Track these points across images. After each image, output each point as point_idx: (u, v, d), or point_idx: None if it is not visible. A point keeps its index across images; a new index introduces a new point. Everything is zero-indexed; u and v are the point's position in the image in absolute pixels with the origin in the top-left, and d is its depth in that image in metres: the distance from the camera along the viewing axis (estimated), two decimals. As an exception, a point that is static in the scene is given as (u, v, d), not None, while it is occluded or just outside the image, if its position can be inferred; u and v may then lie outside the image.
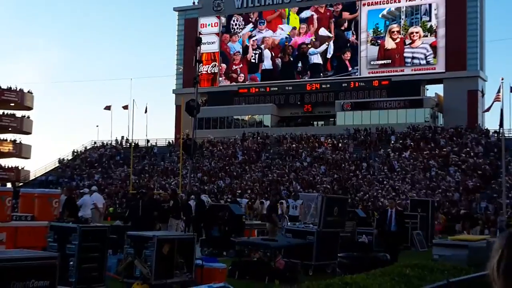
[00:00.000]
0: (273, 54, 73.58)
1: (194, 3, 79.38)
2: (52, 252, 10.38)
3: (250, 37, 74.96)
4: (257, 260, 15.30)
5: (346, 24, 70.18)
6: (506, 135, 44.81)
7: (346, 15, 70.18)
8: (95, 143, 75.69)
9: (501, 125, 35.19)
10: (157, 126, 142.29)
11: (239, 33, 75.57)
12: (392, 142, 57.86)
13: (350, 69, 69.16)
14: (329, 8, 71.21)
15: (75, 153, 73.92)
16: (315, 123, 72.23)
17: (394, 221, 18.01)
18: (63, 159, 73.06)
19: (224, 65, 75.75)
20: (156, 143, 72.00)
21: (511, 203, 41.34)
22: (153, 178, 60.39)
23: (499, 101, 34.85)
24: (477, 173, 48.88)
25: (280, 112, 72.93)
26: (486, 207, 43.18)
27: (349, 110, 66.95)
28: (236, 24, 75.84)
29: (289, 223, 24.05)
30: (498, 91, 35.06)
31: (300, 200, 31.95)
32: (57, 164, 72.16)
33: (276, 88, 72.41)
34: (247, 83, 74.43)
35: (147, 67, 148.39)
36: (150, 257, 11.23)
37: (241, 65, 75.15)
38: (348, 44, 69.67)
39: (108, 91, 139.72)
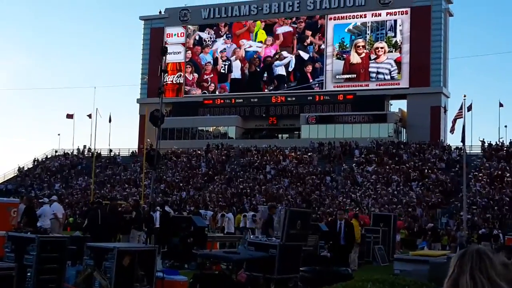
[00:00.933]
0: (242, 65, 73.77)
1: (160, 12, 79.15)
2: (9, 262, 10.14)
3: (220, 50, 75.01)
4: (219, 273, 15.15)
5: (308, 40, 70.76)
6: (467, 151, 45.46)
7: (309, 33, 70.82)
8: (56, 151, 74.72)
9: (462, 141, 35.72)
10: (120, 135, 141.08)
11: (210, 45, 75.53)
12: (356, 156, 58.24)
13: (311, 81, 69.74)
14: (293, 25, 71.76)
15: (36, 162, 72.80)
16: (279, 135, 72.41)
17: (343, 233, 17.42)
18: (23, 167, 71.88)
19: (196, 75, 75.59)
20: (119, 153, 71.36)
21: (471, 219, 41.85)
22: (115, 188, 59.78)
23: (461, 117, 35.39)
24: (439, 188, 49.44)
25: (245, 124, 72.97)
26: (447, 222, 43.65)
27: (313, 124, 67.30)
28: (208, 37, 75.79)
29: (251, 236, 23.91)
30: (460, 108, 35.61)
31: (259, 213, 31.92)
32: (17, 173, 70.98)
33: (242, 100, 72.47)
34: (213, 94, 74.28)
35: (111, 76, 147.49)
36: (110, 269, 11.00)
37: (212, 75, 75.11)
38: (310, 58, 70.31)
39: (71, 99, 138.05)
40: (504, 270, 3.59)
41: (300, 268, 16.22)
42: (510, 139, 56.19)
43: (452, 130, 36.33)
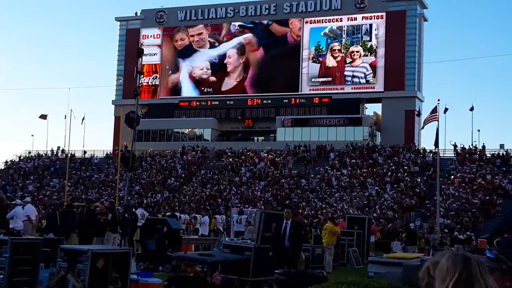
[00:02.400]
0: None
1: (136, 13, 78.79)
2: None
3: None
4: (194, 275, 15.12)
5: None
6: (441, 155, 45.91)
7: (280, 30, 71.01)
8: (29, 152, 73.97)
9: (436, 144, 36.12)
10: (95, 137, 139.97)
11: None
12: (331, 159, 58.46)
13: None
14: (268, 28, 71.96)
15: (8, 163, 71.96)
16: (255, 138, 72.46)
17: (289, 234, 15.22)
18: (-4, 168, 71.03)
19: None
20: (93, 154, 70.86)
21: (444, 222, 42.24)
22: (89, 190, 59.36)
23: (436, 120, 35.73)
24: (413, 191, 49.83)
25: (221, 126, 72.90)
26: (420, 225, 44.01)
27: (289, 126, 67.46)
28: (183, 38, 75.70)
29: (232, 238, 23.85)
30: (434, 111, 35.92)
31: (245, 215, 31.95)
32: (-11, 174, 70.11)
33: (217, 102, 72.40)
34: (188, 96, 74.07)
35: (86, 77, 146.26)
36: (83, 271, 10.91)
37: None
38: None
39: (45, 100, 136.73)
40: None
41: (275, 271, 16.25)
42: (483, 143, 56.87)
43: (423, 127, 36.84)
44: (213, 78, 73.58)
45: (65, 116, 61.73)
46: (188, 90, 74.81)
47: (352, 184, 52.56)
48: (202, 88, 74.12)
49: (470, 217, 44.01)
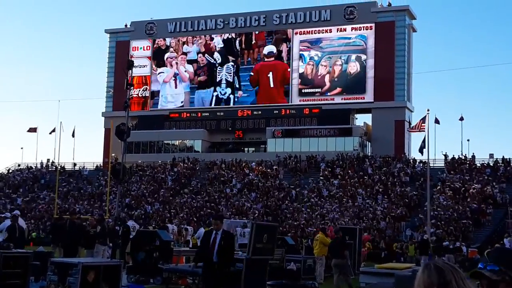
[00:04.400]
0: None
1: (126, 25, 78.77)
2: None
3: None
4: (185, 287, 15.05)
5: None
6: (431, 165, 46.05)
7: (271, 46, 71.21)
8: (19, 165, 73.62)
9: (420, 151, 36.71)
10: (85, 149, 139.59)
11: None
12: (322, 169, 58.47)
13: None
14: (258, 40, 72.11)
15: (-2, 176, 71.54)
16: (246, 149, 72.42)
17: (218, 248, 12.96)
18: (-15, 181, 70.54)
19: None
20: (83, 166, 70.62)
21: (435, 231, 42.29)
22: (79, 202, 59.11)
23: (424, 131, 36.04)
24: (403, 201, 49.92)
25: (211, 138, 72.86)
26: (411, 235, 44.09)
27: (279, 137, 67.51)
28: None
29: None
30: (423, 121, 36.21)
31: (248, 228, 31.72)
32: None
33: (208, 114, 72.39)
34: (178, 107, 73.96)
35: (76, 89, 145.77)
36: (74, 284, 10.86)
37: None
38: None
39: (35, 112, 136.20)
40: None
41: (267, 282, 16.21)
42: (473, 153, 57.09)
43: (413, 129, 37.22)
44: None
45: (54, 129, 62.00)
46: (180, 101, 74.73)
47: (343, 195, 52.60)
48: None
49: (461, 227, 44.12)
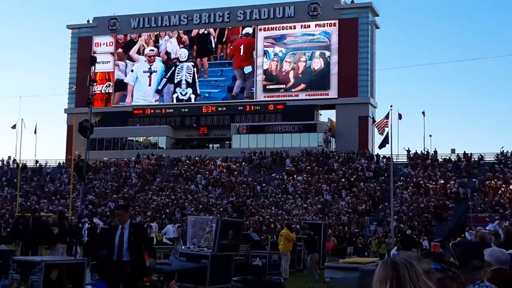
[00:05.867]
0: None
1: (88, 21, 77.89)
2: None
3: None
4: (150, 284, 14.97)
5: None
6: (394, 160, 46.57)
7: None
8: (-21, 163, 72.34)
9: (381, 146, 37.10)
10: (48, 146, 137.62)
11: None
12: (289, 165, 58.64)
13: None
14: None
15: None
16: (210, 145, 72.30)
17: (127, 244, 10.75)
18: None
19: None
20: (46, 163, 69.70)
21: (398, 226, 42.79)
22: (42, 200, 58.35)
23: (387, 127, 36.41)
24: (367, 197, 50.39)
25: (176, 134, 72.53)
26: (375, 230, 44.54)
27: (244, 133, 67.52)
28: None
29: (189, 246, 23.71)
30: (386, 117, 36.60)
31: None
32: None
33: (172, 110, 72.04)
34: (143, 104, 73.43)
35: (37, 85, 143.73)
36: (37, 283, 10.72)
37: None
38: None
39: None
40: (426, 276, 3.73)
41: (232, 278, 16.23)
42: (435, 148, 57.85)
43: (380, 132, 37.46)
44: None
45: (14, 125, 61.01)
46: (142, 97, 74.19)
47: (308, 190, 52.86)
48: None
49: (423, 221, 44.71)
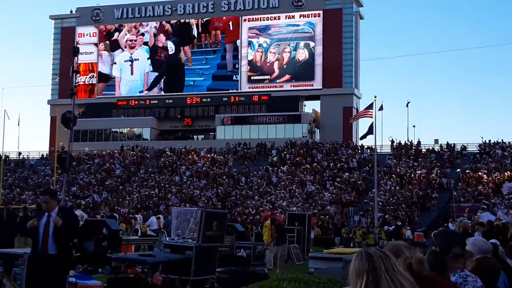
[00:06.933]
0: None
1: (71, 11, 77.31)
2: None
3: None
4: (134, 276, 14.96)
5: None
6: (378, 151, 46.74)
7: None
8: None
9: (362, 137, 37.33)
10: (30, 138, 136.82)
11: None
12: (274, 157, 58.64)
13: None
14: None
15: None
16: (195, 137, 72.17)
17: (53, 234, 9.03)
18: None
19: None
20: (28, 155, 69.25)
21: (382, 216, 43.03)
22: (25, 192, 58.00)
23: (370, 116, 36.54)
24: (352, 187, 50.56)
25: (160, 126, 72.32)
26: (359, 220, 44.72)
27: (229, 124, 67.46)
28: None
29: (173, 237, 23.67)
30: (369, 108, 36.70)
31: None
32: None
33: (156, 101, 71.80)
34: (127, 95, 73.08)
35: (20, 77, 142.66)
36: (20, 275, 10.66)
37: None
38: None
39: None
40: (419, 265, 3.75)
41: (217, 269, 16.23)
42: (418, 139, 58.22)
43: (351, 121, 37.58)
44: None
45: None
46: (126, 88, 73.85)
47: (292, 181, 52.93)
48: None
49: (407, 211, 44.96)
